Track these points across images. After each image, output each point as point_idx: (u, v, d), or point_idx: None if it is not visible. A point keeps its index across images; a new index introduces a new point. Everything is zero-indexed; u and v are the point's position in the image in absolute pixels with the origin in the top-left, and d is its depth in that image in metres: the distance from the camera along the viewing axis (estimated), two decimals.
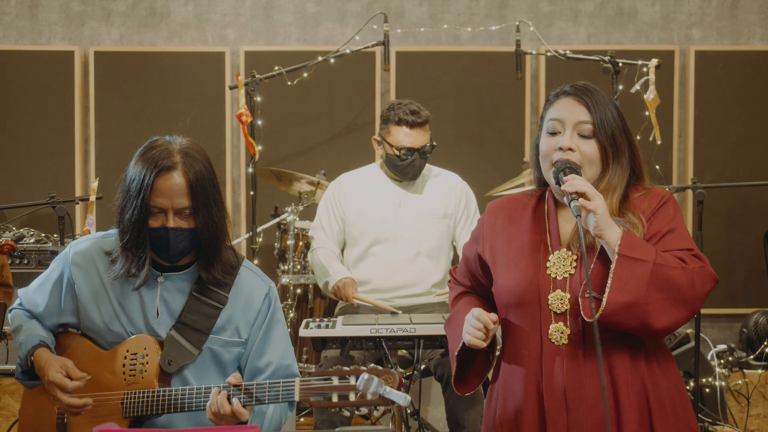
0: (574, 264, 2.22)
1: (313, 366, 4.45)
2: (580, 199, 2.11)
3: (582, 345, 2.18)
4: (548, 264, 2.25)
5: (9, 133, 5.48)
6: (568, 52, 4.85)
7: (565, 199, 2.17)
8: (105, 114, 5.49)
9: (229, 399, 2.26)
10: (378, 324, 3.39)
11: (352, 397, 2.18)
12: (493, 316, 2.22)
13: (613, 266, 2.10)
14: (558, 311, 2.21)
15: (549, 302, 2.22)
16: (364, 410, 2.21)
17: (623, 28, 5.62)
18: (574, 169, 2.20)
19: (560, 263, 2.24)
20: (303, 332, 3.36)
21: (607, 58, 4.52)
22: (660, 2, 5.63)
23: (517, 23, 4.97)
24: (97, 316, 2.45)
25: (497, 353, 2.37)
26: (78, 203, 5.35)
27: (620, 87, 4.52)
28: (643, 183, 2.31)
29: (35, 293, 2.54)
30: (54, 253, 3.91)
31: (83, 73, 5.50)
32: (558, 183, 2.20)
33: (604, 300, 2.09)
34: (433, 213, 4.00)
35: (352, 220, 4.04)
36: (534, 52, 5.12)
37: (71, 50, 5.48)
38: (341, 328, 3.35)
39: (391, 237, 3.98)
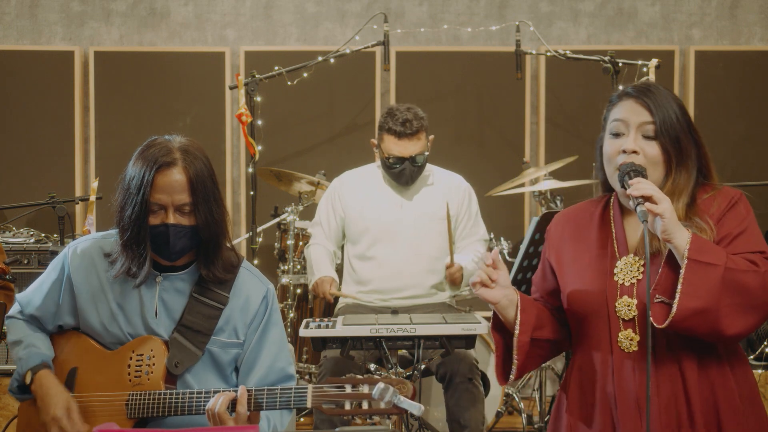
0: (641, 269, 2.18)
1: (313, 366, 4.45)
2: (647, 203, 2.06)
3: (653, 351, 2.12)
4: (615, 270, 2.21)
5: (9, 133, 5.47)
6: (568, 52, 4.85)
7: (630, 203, 2.12)
8: (105, 114, 5.49)
9: (234, 407, 2.25)
10: (378, 324, 3.39)
11: (365, 406, 2.17)
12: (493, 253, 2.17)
13: (683, 271, 2.05)
14: (626, 318, 2.17)
15: (616, 309, 2.18)
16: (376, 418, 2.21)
17: (623, 28, 5.62)
18: (639, 171, 2.14)
19: (627, 269, 2.20)
20: (303, 332, 3.36)
21: (607, 58, 4.52)
22: (660, 2, 5.63)
23: (517, 23, 4.97)
24: (95, 316, 2.44)
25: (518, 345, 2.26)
26: (78, 203, 5.34)
27: (620, 87, 4.49)
28: (712, 182, 2.25)
29: (34, 295, 2.53)
30: (54, 253, 3.91)
31: (83, 73, 5.50)
32: (623, 187, 2.14)
33: (675, 306, 2.04)
34: (435, 214, 4.00)
35: (353, 218, 4.03)
36: (534, 52, 5.12)
37: (71, 50, 5.48)
38: (341, 328, 3.35)
39: (391, 237, 3.98)
